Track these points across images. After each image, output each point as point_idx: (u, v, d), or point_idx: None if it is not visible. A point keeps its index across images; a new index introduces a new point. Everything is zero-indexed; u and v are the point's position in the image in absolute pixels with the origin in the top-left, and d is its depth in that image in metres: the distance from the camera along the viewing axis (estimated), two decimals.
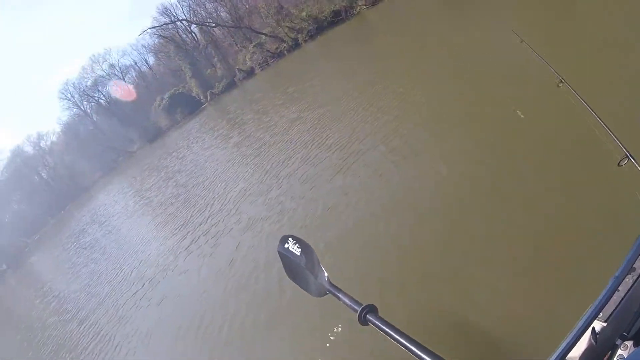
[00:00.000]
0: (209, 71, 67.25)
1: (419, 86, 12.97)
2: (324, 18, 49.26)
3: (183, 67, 69.63)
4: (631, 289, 1.95)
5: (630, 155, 2.48)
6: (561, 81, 3.64)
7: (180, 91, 71.80)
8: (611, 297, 1.81)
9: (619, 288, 1.91)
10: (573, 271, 4.32)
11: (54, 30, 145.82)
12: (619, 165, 2.48)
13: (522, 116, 6.51)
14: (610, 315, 1.87)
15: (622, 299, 1.93)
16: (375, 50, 24.24)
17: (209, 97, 65.85)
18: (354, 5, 46.75)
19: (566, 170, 5.64)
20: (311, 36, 50.63)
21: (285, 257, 2.49)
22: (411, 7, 32.78)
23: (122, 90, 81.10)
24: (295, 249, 2.39)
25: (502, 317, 4.50)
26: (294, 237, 2.44)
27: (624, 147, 2.55)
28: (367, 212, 8.19)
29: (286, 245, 2.46)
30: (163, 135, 69.19)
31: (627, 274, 1.92)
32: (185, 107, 69.13)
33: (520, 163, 6.39)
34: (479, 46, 12.70)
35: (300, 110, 19.49)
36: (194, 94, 69.51)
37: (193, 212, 16.30)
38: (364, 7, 45.62)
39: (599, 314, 1.77)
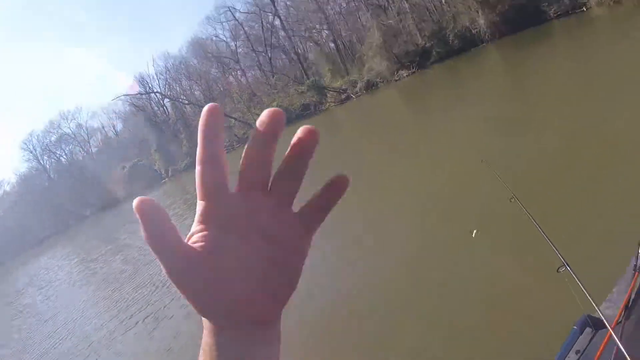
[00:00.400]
0: (174, 147, 66.94)
1: (378, 190, 13.28)
2: (293, 110, 50.03)
3: (149, 139, 69.49)
4: None
5: (567, 263, 2.71)
6: (513, 197, 3.97)
7: (142, 162, 71.44)
8: None
9: None
10: None
11: (27, 76, 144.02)
12: (557, 271, 2.72)
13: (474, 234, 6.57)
14: None
15: None
16: (338, 145, 24.60)
17: (170, 173, 65.44)
18: (324, 101, 47.80)
19: (512, 275, 6.06)
20: None
21: None
22: (379, 109, 34.47)
23: None
24: None
25: None
26: None
27: (562, 257, 2.79)
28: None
29: None
30: (118, 204, 67.53)
31: None
32: (145, 179, 68.21)
33: (471, 268, 6.75)
34: (440, 162, 13.00)
35: None
36: (155, 168, 68.94)
37: (138, 291, 15.66)
38: (333, 104, 46.77)
39: None
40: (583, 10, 31.89)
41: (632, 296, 2.93)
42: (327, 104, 48.07)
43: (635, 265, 3.11)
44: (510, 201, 3.93)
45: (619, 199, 6.42)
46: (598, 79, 13.32)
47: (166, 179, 65.98)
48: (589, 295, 2.49)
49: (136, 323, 12.56)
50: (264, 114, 0.53)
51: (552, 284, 2.89)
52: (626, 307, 2.86)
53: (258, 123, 0.54)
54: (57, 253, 50.21)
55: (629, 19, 23.88)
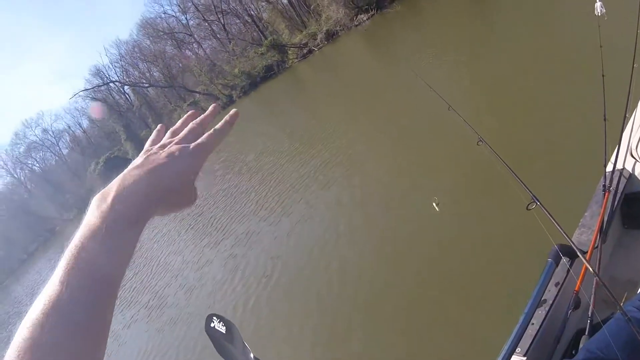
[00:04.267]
0: (143, 132, 65.72)
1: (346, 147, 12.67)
2: (256, 73, 49.24)
3: (117, 130, 67.92)
4: (545, 321, 2.22)
5: (537, 199, 2.66)
6: (480, 140, 3.82)
7: (115, 154, 69.69)
8: (525, 331, 2.06)
9: (533, 321, 2.16)
10: (486, 311, 4.61)
11: None
12: (527, 209, 2.62)
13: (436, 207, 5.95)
14: (528, 348, 2.03)
15: (537, 332, 2.15)
16: (305, 104, 24.67)
17: None
18: (286, 59, 46.68)
19: (484, 216, 6.03)
20: (245, 92, 50.59)
21: (213, 336, 2.35)
22: (342, 60, 33.54)
23: None
24: (221, 328, 2.32)
25: None
26: (218, 316, 2.35)
27: (532, 193, 2.74)
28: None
29: (212, 324, 2.34)
30: None
31: (537, 307, 2.25)
32: (122, 170, 66.19)
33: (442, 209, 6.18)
34: (406, 105, 12.56)
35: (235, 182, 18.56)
36: (129, 157, 67.40)
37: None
38: (296, 60, 45.69)
39: (516, 349, 1.98)
40: None
41: (605, 218, 2.98)
42: (290, 61, 46.81)
43: (604, 186, 3.21)
44: (478, 144, 3.80)
45: (581, 126, 6.34)
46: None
47: None
48: (559, 226, 2.38)
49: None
50: (227, 117, 0.88)
51: (527, 221, 2.65)
52: (600, 230, 2.89)
53: (221, 122, 0.87)
54: (50, 257, 49.53)
55: None
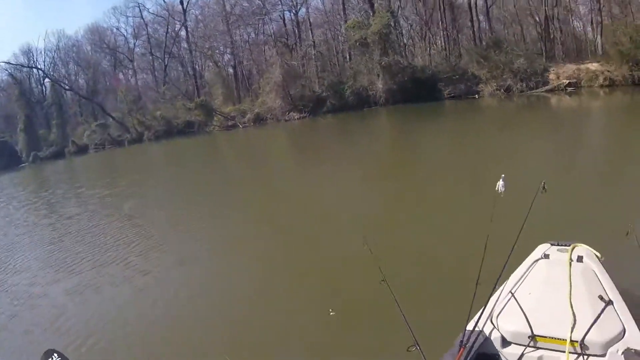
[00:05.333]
0: (42, 131, 61.97)
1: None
2: (176, 125, 48.37)
3: (18, 117, 63.66)
4: None
5: (417, 343, 3.27)
6: (383, 280, 4.21)
7: (4, 139, 64.77)
8: None
9: None
10: None
11: None
12: (408, 350, 3.25)
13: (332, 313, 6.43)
14: None
15: None
16: (212, 174, 23.67)
17: (31, 158, 59.72)
18: (209, 124, 46.53)
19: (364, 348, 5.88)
20: (157, 137, 49.34)
21: None
22: (261, 143, 34.16)
23: None
24: None
25: None
26: (58, 353, 2.32)
27: (414, 337, 3.32)
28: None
29: None
30: None
31: None
32: (4, 157, 61.52)
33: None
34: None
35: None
36: (18, 148, 63.14)
37: None
38: (218, 128, 45.68)
39: None
40: (475, 97, 34.04)
41: None
42: (213, 127, 46.64)
43: (462, 342, 3.55)
44: (380, 284, 4.21)
45: (456, 285, 6.24)
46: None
47: (26, 164, 60.04)
48: None
49: None
50: None
51: None
52: None
53: None
54: None
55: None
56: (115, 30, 62.42)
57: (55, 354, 2.37)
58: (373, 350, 5.80)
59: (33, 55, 64.23)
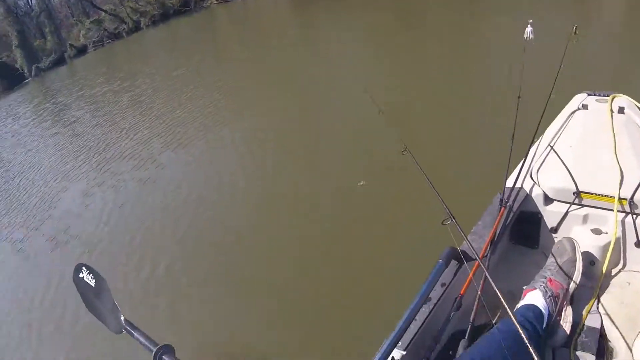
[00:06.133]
0: (38, 42, 60.26)
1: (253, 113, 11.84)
2: (171, 5, 46.53)
3: (10, 34, 62.02)
4: (428, 318, 2.27)
5: (452, 216, 2.62)
6: (405, 149, 3.57)
7: (2, 60, 63.50)
8: (408, 326, 2.08)
9: (416, 317, 2.17)
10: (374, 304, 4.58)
11: None
12: (442, 224, 2.61)
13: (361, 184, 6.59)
14: (408, 343, 2.11)
15: (419, 328, 2.20)
16: (214, 51, 23.82)
17: (33, 72, 58.44)
18: None
19: (395, 226, 5.85)
20: (154, 22, 47.50)
21: (80, 287, 2.40)
22: (263, 14, 33.01)
23: None
24: (90, 280, 2.32)
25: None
26: (87, 267, 2.36)
27: (448, 210, 2.71)
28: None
29: (81, 275, 2.37)
30: None
31: (423, 304, 2.23)
32: (6, 79, 60.65)
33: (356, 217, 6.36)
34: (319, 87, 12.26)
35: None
36: (17, 66, 61.83)
37: None
38: (215, 3, 43.46)
39: (397, 343, 2.00)
40: None
41: (498, 231, 2.98)
42: (209, 2, 44.12)
43: (502, 200, 3.19)
44: (403, 154, 3.53)
45: (491, 141, 6.32)
46: None
47: (30, 79, 58.92)
48: (470, 243, 2.32)
49: None
50: None
51: (440, 235, 2.51)
52: (491, 241, 2.90)
53: None
54: None
55: None
56: None
57: (84, 267, 2.34)
58: (405, 224, 5.76)
59: None
